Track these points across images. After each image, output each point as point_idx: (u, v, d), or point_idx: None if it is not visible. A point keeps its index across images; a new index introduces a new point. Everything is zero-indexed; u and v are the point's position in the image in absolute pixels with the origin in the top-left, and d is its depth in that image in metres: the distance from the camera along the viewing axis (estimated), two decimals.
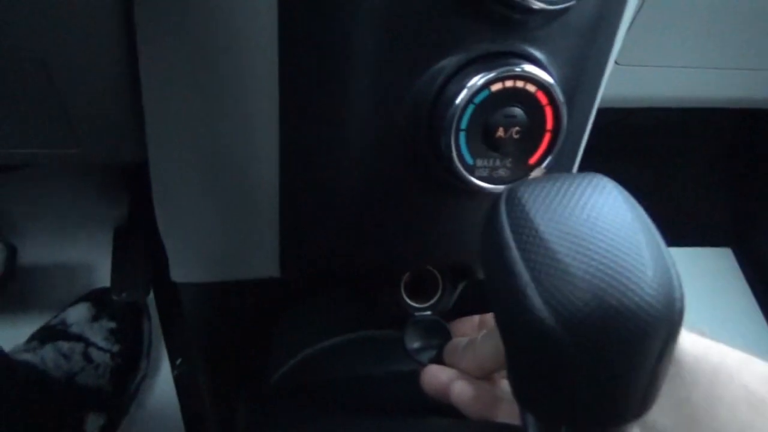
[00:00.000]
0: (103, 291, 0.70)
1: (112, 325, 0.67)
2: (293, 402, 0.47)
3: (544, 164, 0.29)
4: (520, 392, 0.22)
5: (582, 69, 0.31)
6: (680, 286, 0.19)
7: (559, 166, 0.33)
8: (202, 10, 0.27)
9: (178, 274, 0.39)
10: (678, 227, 0.95)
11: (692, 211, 0.96)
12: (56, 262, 0.74)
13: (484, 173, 0.29)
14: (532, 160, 0.29)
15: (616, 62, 0.51)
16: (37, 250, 0.75)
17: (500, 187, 0.29)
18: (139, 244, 0.70)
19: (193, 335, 0.65)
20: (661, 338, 0.19)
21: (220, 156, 0.32)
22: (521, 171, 0.29)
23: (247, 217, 0.35)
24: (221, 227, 0.36)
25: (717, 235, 0.95)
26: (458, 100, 0.27)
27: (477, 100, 0.27)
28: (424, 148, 0.29)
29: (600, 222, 0.19)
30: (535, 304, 0.18)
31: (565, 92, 0.29)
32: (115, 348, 0.65)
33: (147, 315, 0.72)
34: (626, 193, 0.21)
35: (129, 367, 0.66)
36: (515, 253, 0.19)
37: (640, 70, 0.53)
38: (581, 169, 0.37)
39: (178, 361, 0.71)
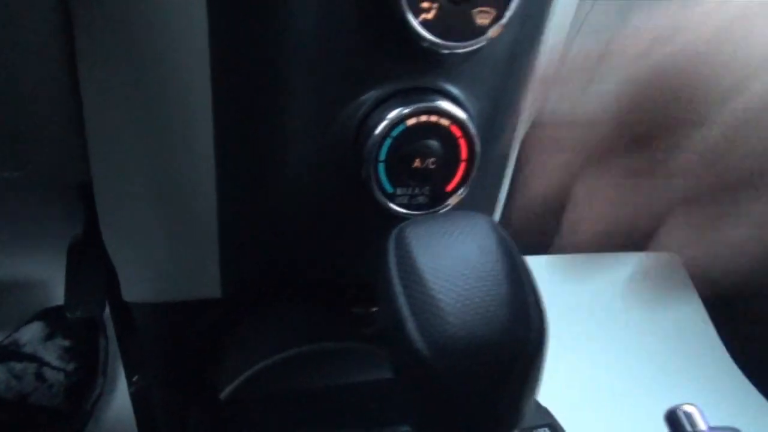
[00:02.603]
0: (58, 309, 0.69)
1: (67, 343, 0.67)
2: (242, 415, 0.48)
3: (460, 191, 0.31)
4: (410, 414, 0.24)
5: (499, 101, 0.33)
6: (538, 317, 0.22)
7: (484, 191, 0.35)
8: (138, 37, 0.29)
9: (128, 293, 0.40)
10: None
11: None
12: (9, 280, 0.74)
13: (404, 200, 0.31)
14: (449, 188, 0.31)
15: None
16: None
17: (420, 213, 0.31)
18: (93, 261, 0.69)
19: (147, 352, 0.65)
20: (522, 363, 0.21)
21: (161, 179, 0.34)
22: (439, 198, 0.31)
23: (188, 240, 0.36)
24: (164, 249, 0.37)
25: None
26: (376, 133, 0.29)
27: (394, 133, 0.29)
28: (350, 175, 0.31)
29: (470, 259, 0.21)
30: (412, 336, 0.21)
31: (481, 124, 0.31)
32: (70, 366, 0.65)
33: (104, 332, 0.72)
34: (498, 229, 0.23)
35: (84, 385, 0.66)
36: (398, 288, 0.22)
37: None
38: None
39: (135, 378, 0.71)
